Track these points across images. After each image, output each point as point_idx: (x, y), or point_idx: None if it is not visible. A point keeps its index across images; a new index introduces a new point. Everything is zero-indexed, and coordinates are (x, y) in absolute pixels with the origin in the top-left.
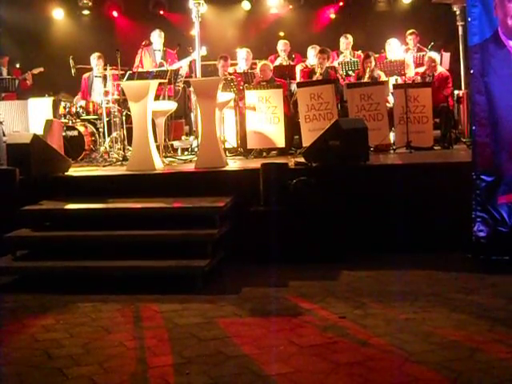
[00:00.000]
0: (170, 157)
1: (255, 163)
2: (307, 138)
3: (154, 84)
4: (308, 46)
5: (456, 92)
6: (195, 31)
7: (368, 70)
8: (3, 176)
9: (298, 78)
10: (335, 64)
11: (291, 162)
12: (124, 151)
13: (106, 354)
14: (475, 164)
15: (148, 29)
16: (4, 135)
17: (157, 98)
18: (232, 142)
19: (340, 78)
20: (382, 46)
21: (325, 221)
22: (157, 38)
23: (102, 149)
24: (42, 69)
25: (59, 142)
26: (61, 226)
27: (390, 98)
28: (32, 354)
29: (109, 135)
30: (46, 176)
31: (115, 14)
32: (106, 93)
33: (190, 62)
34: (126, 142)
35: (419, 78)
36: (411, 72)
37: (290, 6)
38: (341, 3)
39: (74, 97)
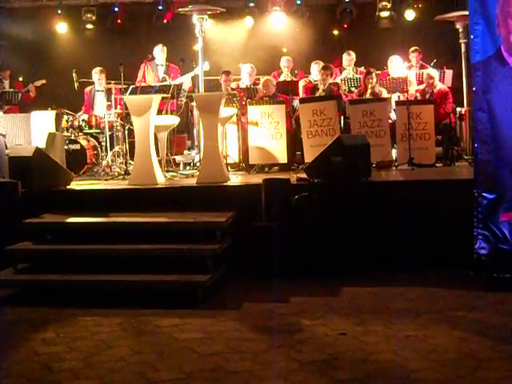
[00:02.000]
0: (171, 171)
1: (257, 178)
2: (309, 154)
3: (156, 98)
4: (311, 63)
5: (458, 109)
6: (198, 46)
7: (369, 86)
8: (5, 189)
9: (301, 94)
10: (338, 80)
11: (293, 177)
12: (126, 165)
13: (106, 368)
14: (477, 181)
15: (151, 43)
16: (6, 148)
17: (159, 112)
18: (234, 157)
19: (342, 94)
20: (384, 62)
21: (326, 237)
22: (159, 52)
23: (104, 163)
24: (44, 81)
25: (61, 155)
26: (62, 240)
27: (393, 115)
28: (32, 368)
29: (111, 149)
30: (47, 189)
31: (118, 28)
32: (109, 107)
33: (193, 77)
34: (128, 156)
35: (419, 95)
36: (413, 89)
37: (297, 29)
38: (345, 25)
39: (76, 112)
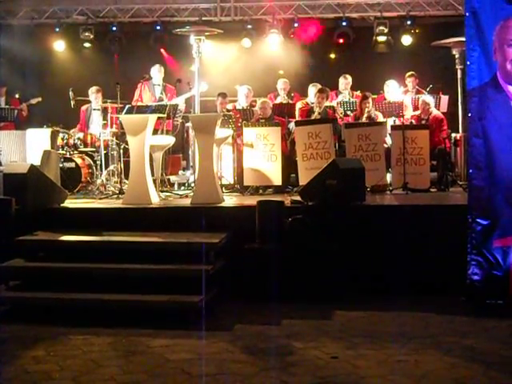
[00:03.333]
0: (166, 191)
1: (251, 200)
2: (304, 177)
3: (152, 118)
4: (307, 85)
5: (453, 135)
6: (195, 67)
7: (366, 110)
8: None
9: (297, 117)
10: (334, 103)
11: (287, 200)
12: (120, 184)
13: None
14: (471, 207)
15: (148, 63)
16: (1, 165)
17: (155, 132)
18: (229, 178)
19: (338, 117)
20: (381, 86)
21: (320, 260)
22: (156, 72)
23: (98, 181)
24: (39, 99)
25: (56, 173)
26: (55, 258)
27: (388, 139)
28: None
29: (106, 168)
30: (41, 207)
31: (116, 47)
32: (105, 125)
33: (187, 98)
34: (122, 176)
35: (413, 121)
36: (409, 114)
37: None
38: (341, 43)
39: (71, 129)
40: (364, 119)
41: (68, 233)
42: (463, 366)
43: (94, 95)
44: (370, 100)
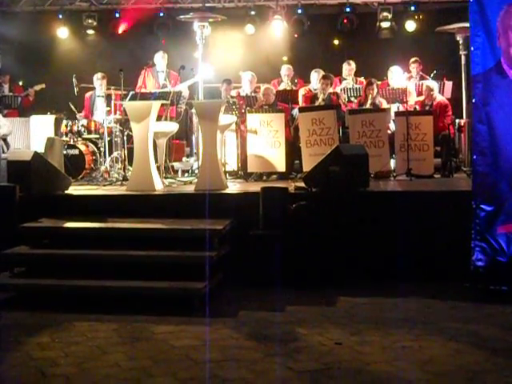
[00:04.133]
0: (170, 178)
1: (255, 187)
2: (308, 163)
3: (156, 105)
4: (311, 72)
5: (457, 121)
6: (199, 54)
7: (370, 97)
8: (3, 193)
9: (301, 103)
10: (337, 90)
11: (291, 186)
12: (124, 171)
13: (100, 374)
14: (475, 193)
15: (152, 50)
16: (3, 152)
17: (159, 118)
18: (232, 164)
19: (342, 103)
20: (384, 73)
21: (324, 246)
22: (160, 59)
23: (102, 168)
24: (43, 85)
25: (60, 160)
26: (59, 244)
27: (392, 125)
28: (26, 372)
29: (110, 155)
30: (45, 194)
31: (119, 34)
32: (109, 112)
33: (190, 85)
34: (126, 162)
35: (417, 107)
36: (413, 100)
37: (296, 35)
38: (345, 29)
39: (74, 117)
40: (368, 105)
41: (72, 219)
42: (467, 351)
43: (99, 81)
44: (375, 86)
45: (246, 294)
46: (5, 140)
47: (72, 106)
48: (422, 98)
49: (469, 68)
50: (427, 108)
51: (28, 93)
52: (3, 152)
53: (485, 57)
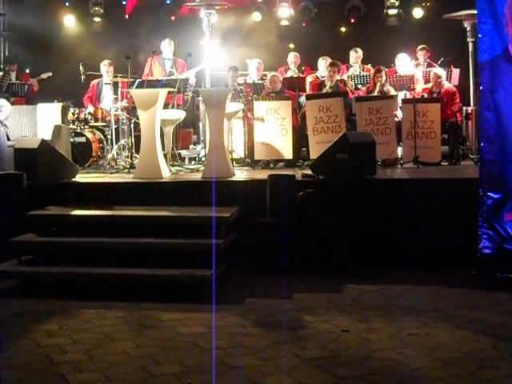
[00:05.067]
0: (177, 166)
1: (262, 174)
2: (315, 151)
3: (163, 92)
4: (318, 59)
5: (464, 108)
6: (205, 41)
7: (378, 84)
8: (10, 180)
9: (308, 90)
10: (345, 77)
11: (298, 173)
12: (131, 159)
13: (108, 361)
14: (482, 181)
15: (158, 37)
16: (9, 139)
17: (166, 106)
18: (239, 152)
19: (349, 91)
20: (391, 60)
21: (331, 233)
22: (167, 46)
23: (109, 156)
24: (50, 74)
25: (67, 147)
26: (66, 232)
27: (399, 113)
28: (34, 359)
29: (117, 142)
30: (52, 181)
31: (126, 21)
32: (115, 100)
33: (198, 72)
34: (133, 150)
35: (425, 94)
36: (420, 87)
37: (304, 24)
38: (352, 20)
39: (81, 105)
40: (376, 93)
41: (79, 207)
42: (474, 339)
43: (106, 67)
44: (384, 74)
45: (252, 282)
46: (6, 126)
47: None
48: (429, 85)
49: (476, 55)
50: (435, 95)
51: (31, 83)
52: (8, 139)
53: (492, 44)
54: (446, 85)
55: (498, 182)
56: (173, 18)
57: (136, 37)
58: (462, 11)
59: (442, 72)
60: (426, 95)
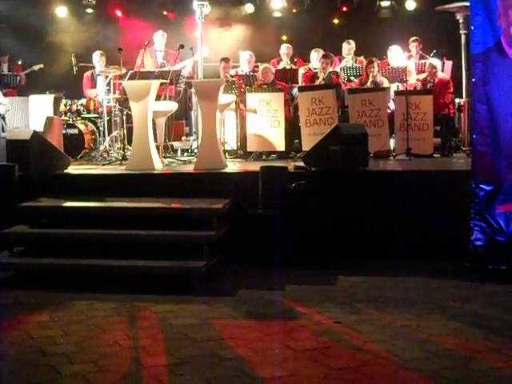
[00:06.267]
0: (169, 157)
1: (255, 166)
2: (307, 143)
3: (155, 84)
4: (310, 51)
5: (457, 100)
6: (198, 33)
7: (371, 75)
8: (2, 172)
9: (300, 82)
10: (337, 69)
11: (291, 165)
12: (124, 150)
13: (100, 352)
14: (474, 173)
15: (151, 29)
16: (3, 131)
17: (158, 98)
18: (232, 144)
19: (342, 83)
20: (384, 52)
21: (323, 225)
22: (160, 38)
23: (101, 147)
24: (41, 65)
25: (59, 139)
26: (58, 224)
27: (391, 105)
28: (26, 351)
29: (109, 134)
30: (44, 173)
31: (119, 13)
32: (108, 92)
33: (194, 63)
34: (125, 142)
35: (419, 84)
36: (413, 79)
37: (294, 10)
38: (344, 9)
39: (73, 97)
40: (369, 84)
41: (71, 199)
42: (466, 330)
43: (99, 58)
44: (376, 65)
45: (245, 273)
46: (4, 119)
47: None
48: (423, 76)
49: (469, 47)
50: (429, 86)
51: (20, 76)
52: (2, 131)
53: (485, 36)
54: (441, 75)
55: (490, 174)
56: (165, 12)
57: (128, 28)
58: (454, 3)
59: (437, 62)
60: (420, 85)
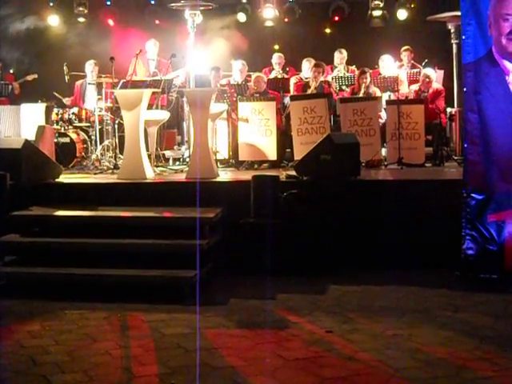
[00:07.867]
0: (161, 166)
1: (246, 175)
2: (299, 152)
3: (147, 93)
4: (302, 60)
5: (449, 110)
6: (190, 42)
7: (363, 86)
8: None
9: (292, 91)
10: (329, 78)
11: (282, 174)
12: (115, 159)
13: (91, 361)
14: (466, 182)
15: (143, 38)
16: None
17: (150, 107)
18: (224, 153)
19: (333, 92)
20: (375, 61)
21: (314, 234)
22: (152, 47)
23: (93, 156)
24: (35, 75)
25: (51, 148)
26: (50, 233)
27: (383, 114)
28: (17, 360)
29: (101, 143)
30: (36, 182)
31: (111, 22)
32: (99, 100)
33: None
34: (117, 151)
35: (412, 92)
36: (404, 88)
37: (286, 19)
38: (336, 18)
39: (65, 106)
40: (361, 95)
41: (63, 208)
42: (457, 339)
43: (91, 67)
44: (368, 75)
45: (236, 282)
46: None
47: (57, 95)
48: (416, 86)
49: (460, 57)
50: (422, 96)
51: (13, 86)
52: None
53: (476, 46)
54: (435, 85)
55: (481, 183)
56: (157, 21)
57: (120, 37)
58: (446, 13)
59: (431, 72)
60: (413, 94)
